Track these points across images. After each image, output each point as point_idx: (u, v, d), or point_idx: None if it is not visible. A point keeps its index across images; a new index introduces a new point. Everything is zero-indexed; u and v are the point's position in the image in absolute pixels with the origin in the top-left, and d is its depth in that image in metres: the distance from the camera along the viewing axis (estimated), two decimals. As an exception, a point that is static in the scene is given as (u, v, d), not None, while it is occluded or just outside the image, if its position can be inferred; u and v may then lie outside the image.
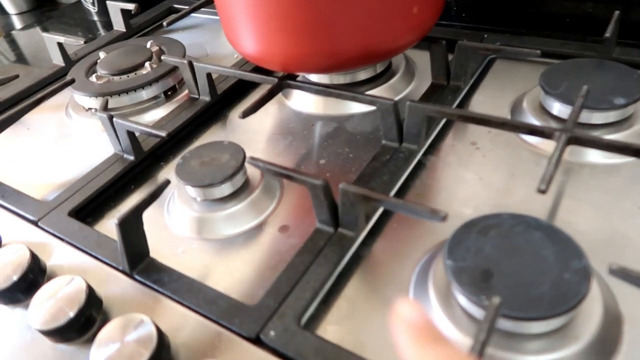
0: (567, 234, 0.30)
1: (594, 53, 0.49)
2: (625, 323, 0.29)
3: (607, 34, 0.44)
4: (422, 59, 0.56)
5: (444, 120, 0.46)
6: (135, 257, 0.36)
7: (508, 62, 0.55)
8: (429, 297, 0.31)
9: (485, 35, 0.56)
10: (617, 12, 0.46)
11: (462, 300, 0.29)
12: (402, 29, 0.42)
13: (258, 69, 0.56)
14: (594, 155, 0.40)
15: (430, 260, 0.34)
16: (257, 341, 0.31)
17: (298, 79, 0.50)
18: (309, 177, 0.35)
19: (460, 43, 0.47)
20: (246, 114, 0.43)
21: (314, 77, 0.53)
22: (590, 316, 0.28)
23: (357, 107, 0.51)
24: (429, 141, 0.45)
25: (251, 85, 0.59)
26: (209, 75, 0.53)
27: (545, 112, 0.44)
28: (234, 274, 0.37)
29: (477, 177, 0.41)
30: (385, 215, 0.39)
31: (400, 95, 0.52)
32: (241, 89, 0.58)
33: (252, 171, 0.43)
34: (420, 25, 0.43)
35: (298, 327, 0.31)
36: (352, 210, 0.34)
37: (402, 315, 0.21)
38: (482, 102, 0.50)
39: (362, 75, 0.52)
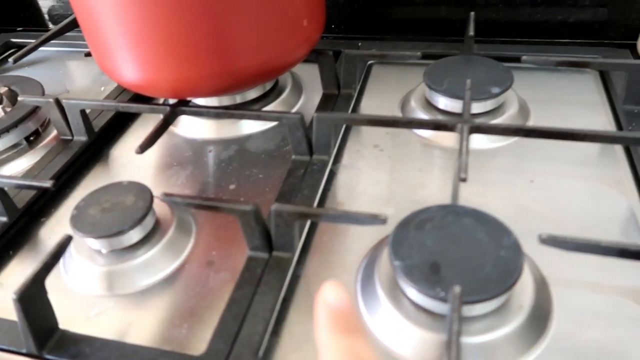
0: (492, 215, 0.32)
1: (458, 51, 0.54)
2: (551, 285, 0.32)
3: (470, 33, 0.49)
4: (304, 73, 0.57)
5: (344, 127, 0.47)
6: (43, 334, 0.30)
7: (383, 67, 0.58)
8: (379, 299, 0.31)
9: (360, 44, 0.59)
10: (472, 13, 0.52)
11: (417, 296, 0.30)
12: (295, 42, 0.42)
13: (138, 99, 0.52)
14: (478, 142, 0.44)
15: (370, 264, 0.34)
16: (217, 393, 0.28)
17: (191, 104, 0.47)
18: (238, 204, 0.33)
19: (347, 52, 0.48)
20: (143, 148, 0.39)
21: (201, 101, 0.51)
22: (525, 286, 0.31)
23: (252, 127, 0.49)
24: (335, 150, 0.45)
25: (129, 118, 0.54)
26: (83, 112, 0.47)
27: (432, 107, 0.47)
28: (166, 325, 0.33)
29: (390, 178, 0.43)
30: (312, 230, 0.38)
31: (294, 110, 0.52)
32: (119, 123, 0.53)
33: (160, 210, 0.39)
34: (310, 37, 0.44)
35: (260, 365, 0.28)
36: (288, 230, 0.33)
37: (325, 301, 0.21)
38: (372, 106, 0.52)
39: (252, 94, 0.51)
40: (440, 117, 0.46)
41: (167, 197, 0.34)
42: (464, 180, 0.33)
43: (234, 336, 0.30)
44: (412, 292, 0.30)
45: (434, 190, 0.41)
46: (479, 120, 0.38)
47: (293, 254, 0.35)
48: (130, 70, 0.41)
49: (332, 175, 0.43)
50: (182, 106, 0.44)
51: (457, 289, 0.26)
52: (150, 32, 0.38)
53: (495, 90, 0.44)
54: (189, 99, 0.46)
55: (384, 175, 0.43)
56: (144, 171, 0.47)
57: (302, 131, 0.41)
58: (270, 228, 0.34)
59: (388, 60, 0.54)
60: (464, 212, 0.33)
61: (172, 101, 0.50)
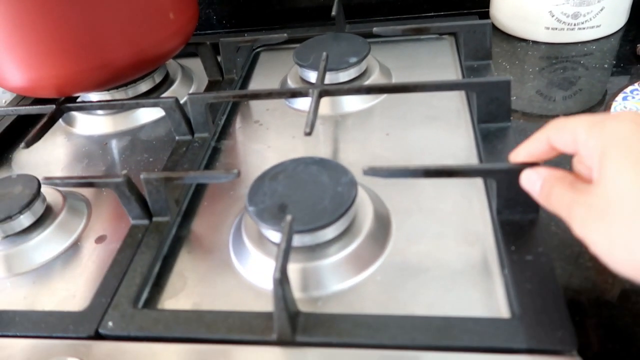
0: (335, 161, 0.38)
1: (332, 32, 0.60)
2: (391, 213, 0.38)
3: (333, 13, 0.55)
4: (195, 65, 0.61)
5: (228, 108, 0.52)
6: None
7: (271, 53, 0.63)
8: (245, 244, 0.36)
9: (246, 35, 0.64)
10: (337, -4, 0.58)
11: (270, 234, 0.34)
12: (164, 34, 0.46)
13: (37, 102, 0.54)
14: (349, 105, 0.50)
15: (241, 219, 0.39)
16: (99, 337, 0.32)
17: (78, 101, 0.50)
18: (110, 177, 0.37)
19: (222, 40, 0.53)
20: (29, 142, 0.42)
21: (95, 98, 0.54)
22: (365, 215, 0.36)
23: (146, 117, 0.53)
24: (219, 128, 0.50)
25: (32, 123, 0.56)
26: (-24, 120, 0.49)
27: (305, 82, 0.53)
28: (60, 293, 0.36)
29: (266, 146, 0.47)
30: (196, 198, 0.43)
31: (184, 98, 0.56)
32: (21, 127, 0.55)
33: (53, 198, 0.42)
34: (180, 29, 0.48)
35: (135, 310, 0.32)
36: (159, 196, 0.37)
37: None
38: (257, 87, 0.57)
39: (143, 87, 0.55)
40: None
41: (46, 180, 0.37)
42: (308, 134, 0.38)
43: (114, 291, 0.34)
44: (265, 230, 0.35)
45: (303, 153, 0.46)
46: (328, 85, 0.43)
47: (172, 218, 0.39)
48: (13, 73, 0.44)
49: (216, 150, 0.48)
50: (67, 103, 0.47)
51: (288, 217, 0.31)
52: (22, 33, 0.41)
53: (353, 59, 0.50)
54: (76, 95, 0.50)
55: (261, 145, 0.48)
56: (43, 169, 0.50)
57: (179, 113, 0.45)
58: (145, 196, 0.38)
59: (259, 43, 0.58)
60: (312, 161, 0.38)
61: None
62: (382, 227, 0.36)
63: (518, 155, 0.31)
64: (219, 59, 0.55)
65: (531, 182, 0.29)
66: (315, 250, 0.34)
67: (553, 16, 0.54)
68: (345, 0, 0.65)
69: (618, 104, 0.44)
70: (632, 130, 0.23)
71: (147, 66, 0.48)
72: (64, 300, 0.36)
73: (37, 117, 0.56)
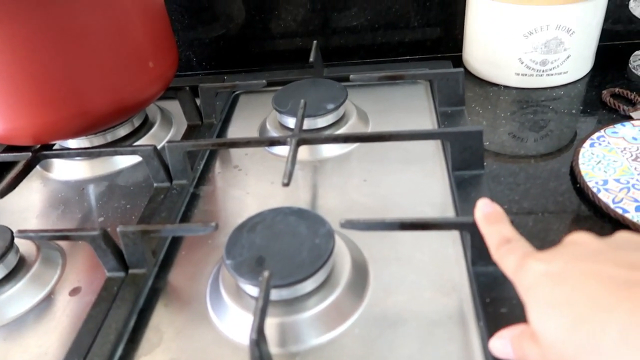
0: (313, 211, 0.38)
1: (310, 76, 0.61)
2: (369, 262, 0.38)
3: (311, 59, 0.56)
4: (175, 108, 0.61)
5: (207, 153, 0.52)
6: None
7: (250, 96, 0.64)
8: (222, 296, 0.36)
9: (225, 77, 0.65)
10: (315, 42, 0.59)
11: (248, 288, 0.34)
12: (143, 82, 0.47)
13: (10, 148, 0.54)
14: (328, 151, 0.51)
15: (219, 269, 0.38)
16: (69, 399, 0.31)
17: (55, 147, 0.50)
18: (85, 230, 0.36)
19: (202, 86, 0.54)
20: (3, 192, 0.42)
21: (73, 144, 0.54)
22: (343, 266, 0.36)
23: (124, 162, 0.53)
24: (198, 174, 0.50)
25: (5, 169, 0.56)
26: (-51, 167, 0.49)
27: (284, 127, 0.53)
28: (32, 350, 0.35)
29: (245, 193, 0.48)
30: (173, 247, 0.42)
31: (163, 142, 0.56)
32: (-6, 174, 0.55)
33: (26, 249, 0.42)
34: (160, 76, 0.49)
35: (109, 370, 0.32)
36: (136, 248, 0.37)
37: None
38: (236, 132, 0.57)
39: (122, 132, 0.55)
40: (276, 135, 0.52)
41: (20, 233, 0.37)
42: (286, 185, 0.38)
43: (88, 348, 0.33)
44: (243, 285, 0.34)
45: (282, 199, 0.46)
46: (306, 134, 0.44)
47: (148, 270, 0.38)
48: (-13, 122, 0.44)
49: (195, 197, 0.48)
50: (43, 150, 0.47)
51: (266, 273, 0.31)
52: (3, 82, 0.41)
53: (331, 106, 0.51)
54: (52, 143, 0.49)
55: (240, 191, 0.48)
56: (19, 215, 0.49)
57: (158, 160, 0.45)
58: (122, 248, 0.37)
59: (239, 89, 0.59)
60: (290, 211, 0.38)
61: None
62: (360, 277, 0.37)
63: (482, 230, 0.32)
64: (198, 102, 0.56)
65: (500, 350, 0.28)
66: (293, 304, 0.34)
67: (522, 63, 0.56)
68: (323, 44, 0.67)
69: (586, 150, 0.46)
70: (538, 281, 0.25)
71: (126, 113, 0.48)
72: (36, 359, 0.35)
73: (9, 162, 0.56)
